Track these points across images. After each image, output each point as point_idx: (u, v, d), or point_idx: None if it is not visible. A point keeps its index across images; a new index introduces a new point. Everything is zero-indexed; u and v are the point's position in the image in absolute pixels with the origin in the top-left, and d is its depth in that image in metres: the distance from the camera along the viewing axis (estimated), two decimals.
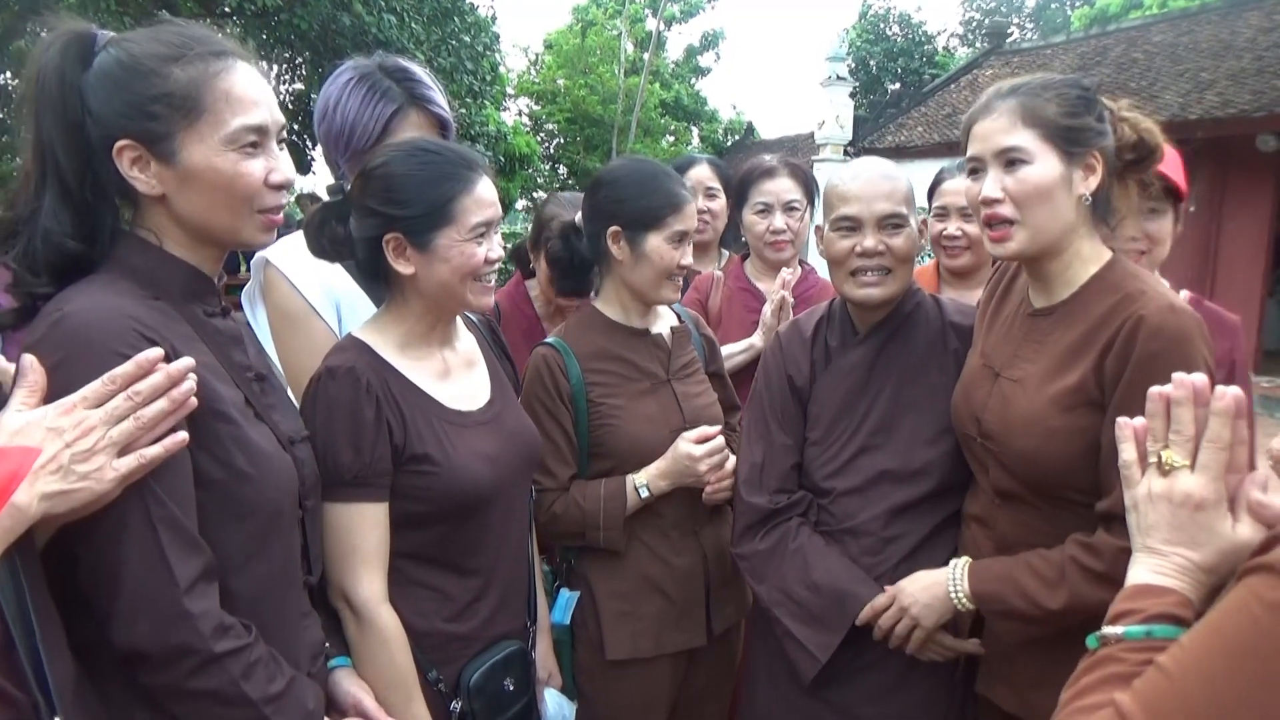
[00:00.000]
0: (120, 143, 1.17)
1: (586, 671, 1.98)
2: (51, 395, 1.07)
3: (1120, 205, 1.63)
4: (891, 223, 1.78)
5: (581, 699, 1.97)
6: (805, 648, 1.78)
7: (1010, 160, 1.54)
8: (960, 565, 1.67)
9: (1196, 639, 0.78)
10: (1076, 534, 1.53)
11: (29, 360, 1.06)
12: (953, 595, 1.65)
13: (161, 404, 1.08)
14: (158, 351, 1.09)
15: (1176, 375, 0.97)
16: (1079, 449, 1.50)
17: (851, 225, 1.80)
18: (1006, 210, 1.54)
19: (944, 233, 2.61)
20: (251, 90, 1.23)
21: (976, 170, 1.61)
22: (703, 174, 3.00)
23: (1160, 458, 0.98)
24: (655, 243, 1.92)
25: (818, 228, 1.90)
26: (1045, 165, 1.52)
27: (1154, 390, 1.00)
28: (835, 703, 1.82)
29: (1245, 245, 10.82)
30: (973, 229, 2.51)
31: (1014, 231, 1.55)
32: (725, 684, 2.20)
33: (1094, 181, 1.55)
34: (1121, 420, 1.04)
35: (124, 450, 1.06)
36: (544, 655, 1.88)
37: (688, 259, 1.95)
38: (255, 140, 1.23)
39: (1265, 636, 0.72)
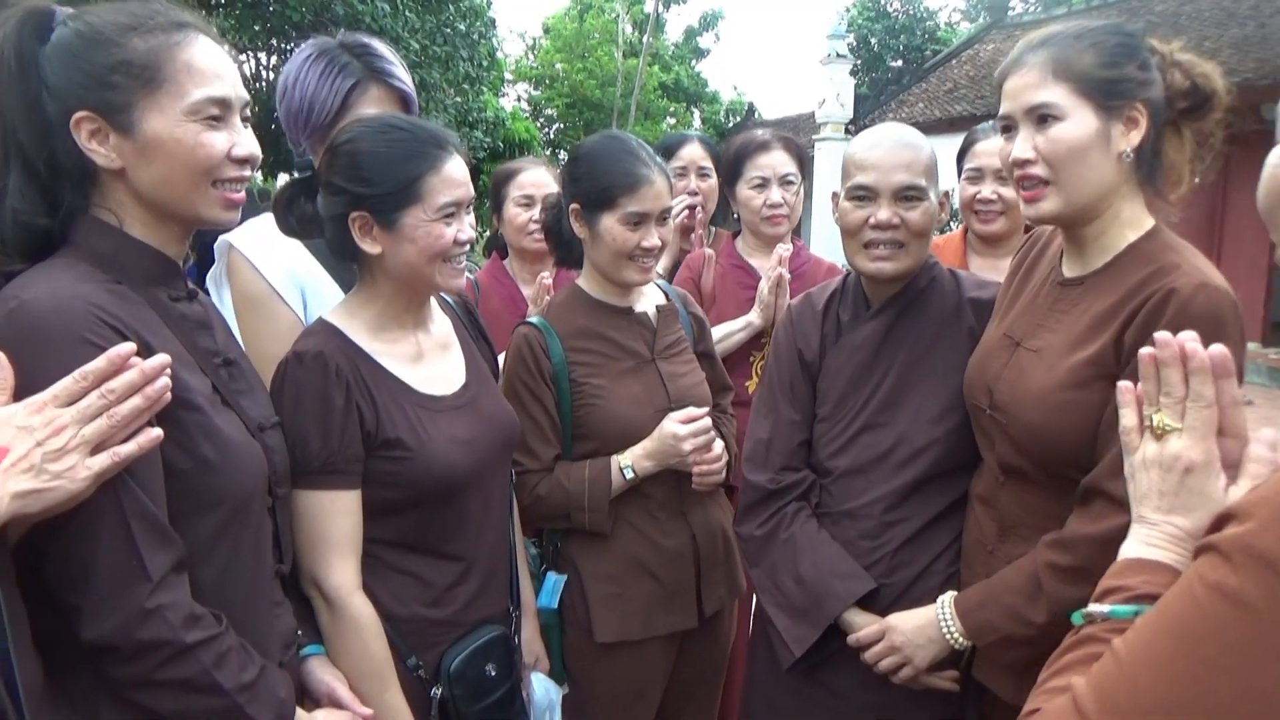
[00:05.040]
0: (78, 114, 1.15)
1: (576, 655, 1.96)
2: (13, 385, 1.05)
3: (1174, 159, 1.51)
4: (908, 194, 1.72)
5: (572, 682, 1.96)
6: (784, 638, 1.77)
7: (1041, 117, 1.45)
8: (947, 602, 1.63)
9: (1146, 622, 0.75)
10: (1047, 534, 1.48)
11: None
12: (948, 635, 1.61)
13: (136, 401, 1.06)
14: (130, 346, 1.07)
15: (1159, 335, 0.93)
16: (1088, 426, 1.43)
17: (866, 195, 1.74)
18: (1039, 170, 1.46)
19: (977, 196, 2.51)
20: (214, 63, 1.21)
21: (1009, 129, 1.53)
22: (695, 153, 2.97)
23: (1153, 421, 0.94)
24: (609, 223, 1.88)
25: (834, 194, 1.85)
26: (1079, 122, 1.43)
27: (1144, 351, 0.95)
28: (831, 686, 1.80)
29: (1252, 215, 10.55)
30: (1008, 192, 2.43)
31: (1047, 192, 1.47)
32: (718, 666, 2.18)
33: (1136, 136, 1.45)
34: (1123, 384, 0.99)
35: (97, 448, 1.04)
36: (530, 639, 1.86)
37: (650, 241, 1.89)
38: (217, 113, 1.21)
39: (1205, 618, 0.69)
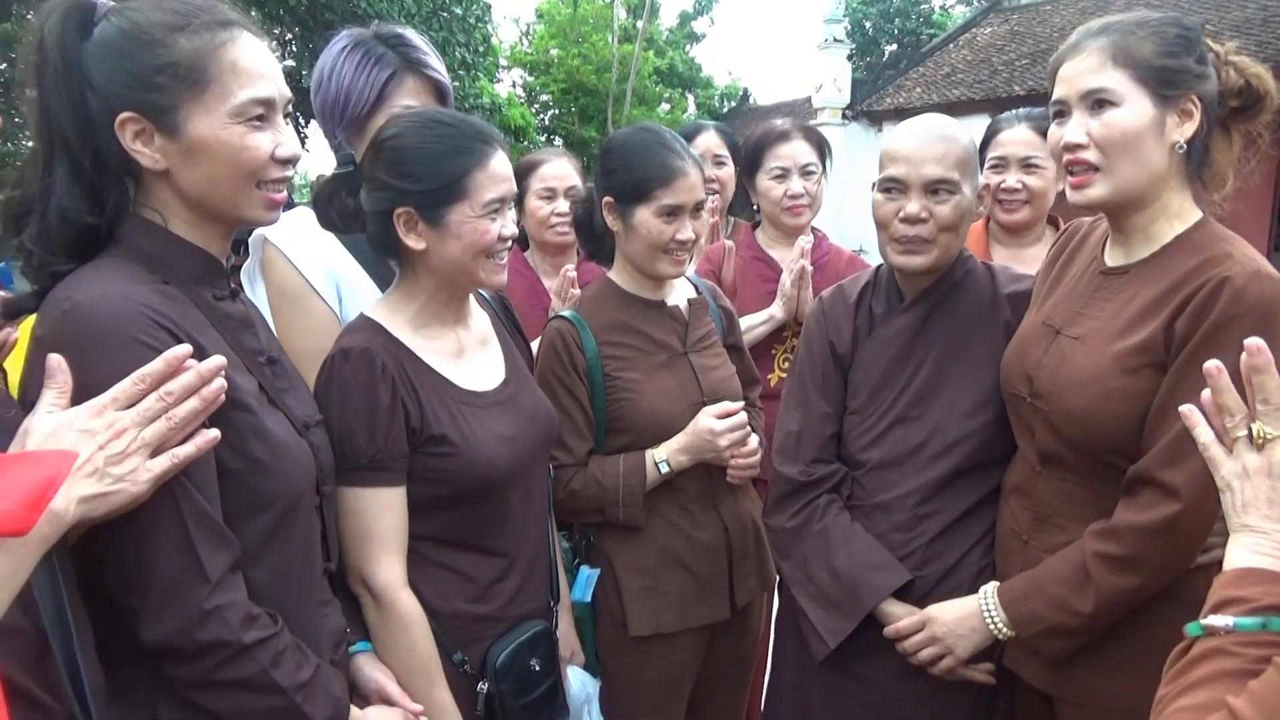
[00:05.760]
0: (123, 115, 1.13)
1: (610, 648, 1.96)
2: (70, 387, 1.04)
3: (1220, 158, 1.50)
4: (938, 188, 1.69)
5: (606, 675, 1.96)
6: (817, 630, 1.77)
7: (1097, 102, 1.44)
8: (990, 592, 1.62)
9: None
10: (1094, 523, 1.48)
11: (57, 361, 1.03)
12: (991, 625, 1.61)
13: (193, 403, 1.06)
14: (186, 348, 1.07)
15: (1250, 342, 0.91)
16: (1135, 413, 1.43)
17: (897, 187, 1.73)
18: (1090, 156, 1.45)
19: (1001, 185, 2.48)
20: (258, 62, 1.19)
21: (1062, 114, 1.51)
22: (710, 141, 2.95)
23: (1252, 431, 0.92)
24: (643, 216, 1.87)
25: (873, 185, 1.83)
26: (1135, 108, 1.42)
27: (1210, 364, 0.94)
28: (863, 678, 1.80)
29: (1250, 200, 10.60)
30: (1033, 181, 2.41)
31: (1096, 179, 1.46)
32: (747, 657, 2.19)
33: (1190, 128, 1.44)
34: (1184, 408, 0.99)
35: (156, 450, 1.04)
36: (566, 633, 1.86)
37: (685, 234, 1.88)
38: (262, 113, 1.19)
39: None
